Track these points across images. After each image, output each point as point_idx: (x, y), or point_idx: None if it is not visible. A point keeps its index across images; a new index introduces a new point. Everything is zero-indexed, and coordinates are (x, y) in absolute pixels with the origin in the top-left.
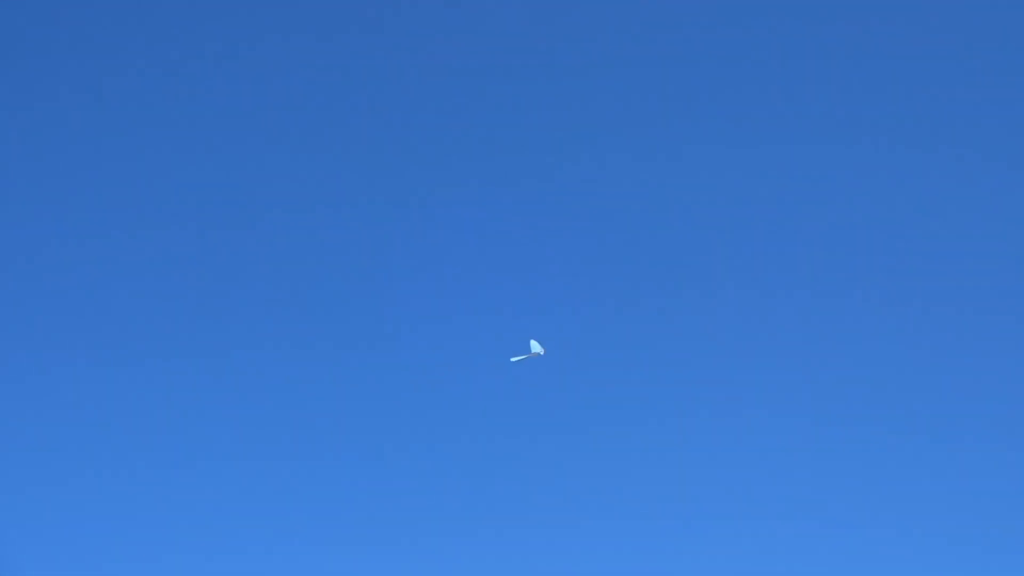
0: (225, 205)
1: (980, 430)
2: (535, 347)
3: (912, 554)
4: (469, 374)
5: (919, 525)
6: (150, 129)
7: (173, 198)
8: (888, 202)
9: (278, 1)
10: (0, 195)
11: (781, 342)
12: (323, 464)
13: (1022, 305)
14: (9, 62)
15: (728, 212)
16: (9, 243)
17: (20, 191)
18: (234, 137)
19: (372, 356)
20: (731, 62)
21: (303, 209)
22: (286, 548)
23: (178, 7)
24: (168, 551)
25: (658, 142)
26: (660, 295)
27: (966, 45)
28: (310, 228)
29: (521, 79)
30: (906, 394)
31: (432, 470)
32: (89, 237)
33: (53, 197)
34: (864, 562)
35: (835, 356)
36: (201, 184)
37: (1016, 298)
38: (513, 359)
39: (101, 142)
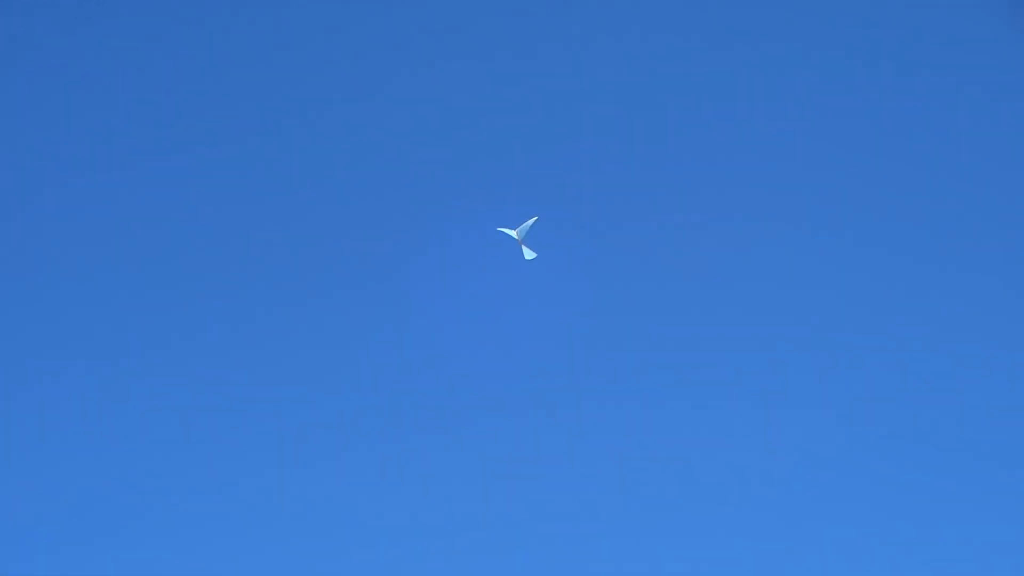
0: (228, 206)
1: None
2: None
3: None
4: (469, 373)
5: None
6: (159, 130)
7: (182, 197)
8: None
9: (281, 3)
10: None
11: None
12: (324, 465)
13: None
14: (9, 62)
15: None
16: (9, 242)
17: (20, 190)
18: (238, 137)
19: (373, 357)
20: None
21: (304, 209)
22: (286, 550)
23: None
24: (170, 552)
25: (665, 145)
26: (666, 296)
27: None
28: (311, 228)
29: (524, 80)
30: (909, 396)
31: (433, 471)
32: (91, 234)
33: (52, 195)
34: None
35: (838, 357)
36: (204, 185)
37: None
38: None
39: (101, 141)
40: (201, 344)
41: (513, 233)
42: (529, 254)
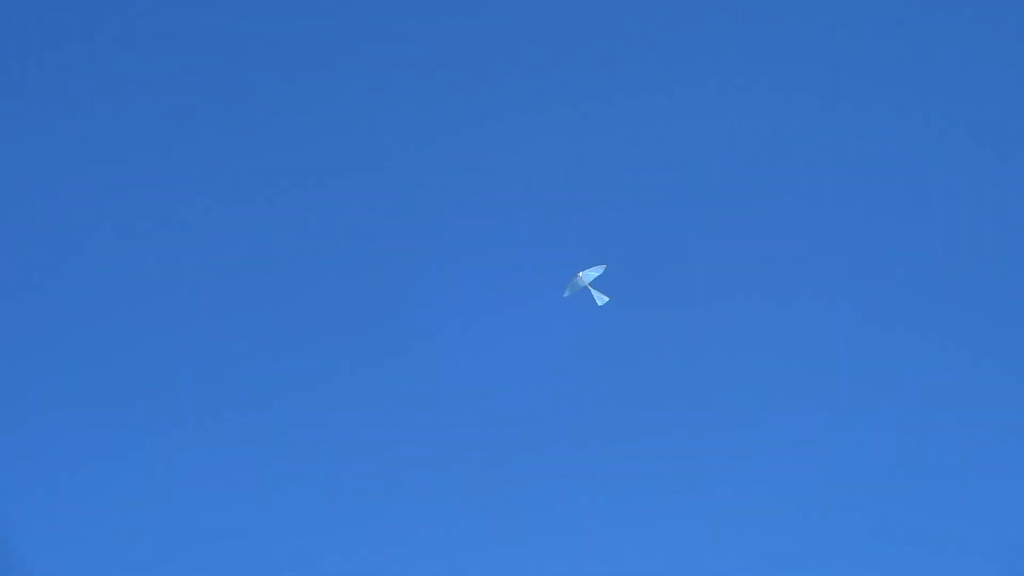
0: (229, 205)
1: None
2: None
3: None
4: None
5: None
6: (156, 129)
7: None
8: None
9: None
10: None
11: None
12: (324, 468)
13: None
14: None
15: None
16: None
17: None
18: (239, 135)
19: (375, 357)
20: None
21: (306, 208)
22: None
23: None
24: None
25: (682, 150)
26: (672, 297)
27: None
28: (314, 226)
29: (528, 79)
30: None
31: (433, 471)
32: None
33: (52, 196)
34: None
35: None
36: (205, 184)
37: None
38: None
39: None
40: (207, 352)
41: (582, 280)
42: (601, 299)
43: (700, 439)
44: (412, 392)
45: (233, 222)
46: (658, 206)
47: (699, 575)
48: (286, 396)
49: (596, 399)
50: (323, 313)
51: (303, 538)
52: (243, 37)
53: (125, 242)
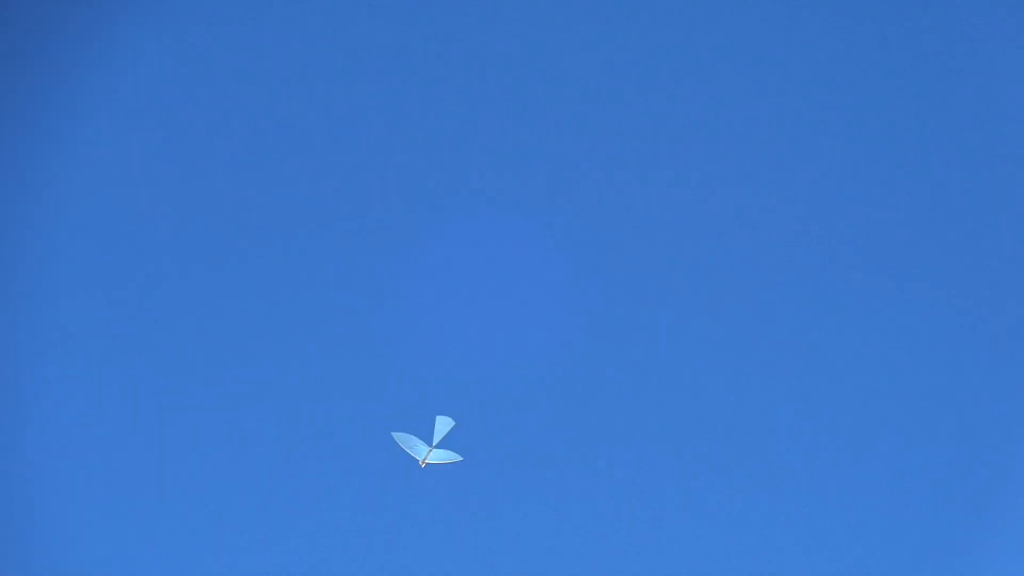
0: (226, 205)
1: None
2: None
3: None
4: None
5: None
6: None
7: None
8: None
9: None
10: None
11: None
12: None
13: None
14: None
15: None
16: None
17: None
18: (233, 136)
19: (371, 358)
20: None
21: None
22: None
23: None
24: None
25: (669, 141)
26: (664, 300)
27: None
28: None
29: (525, 82)
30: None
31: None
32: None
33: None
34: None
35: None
36: (200, 184)
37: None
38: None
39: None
40: (193, 346)
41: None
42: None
43: (695, 437)
44: (402, 387)
45: (209, 213)
46: (655, 200)
47: (692, 574)
48: (276, 390)
49: (586, 394)
50: (317, 308)
51: (288, 536)
52: (227, 33)
53: (106, 230)
